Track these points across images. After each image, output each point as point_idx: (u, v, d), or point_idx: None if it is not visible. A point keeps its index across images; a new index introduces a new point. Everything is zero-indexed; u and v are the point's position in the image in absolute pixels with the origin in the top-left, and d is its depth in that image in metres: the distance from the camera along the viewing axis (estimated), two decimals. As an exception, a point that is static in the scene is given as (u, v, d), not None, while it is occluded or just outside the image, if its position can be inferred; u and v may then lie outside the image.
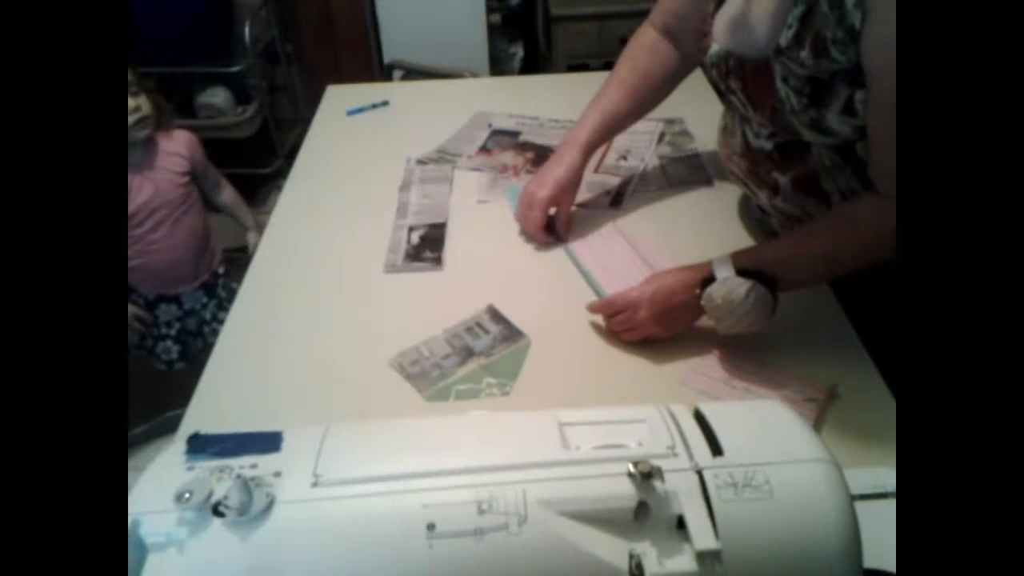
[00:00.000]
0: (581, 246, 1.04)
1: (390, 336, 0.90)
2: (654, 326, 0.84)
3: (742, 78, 0.84)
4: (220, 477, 0.46)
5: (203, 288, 1.64)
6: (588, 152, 1.05)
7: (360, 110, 1.44)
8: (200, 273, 1.62)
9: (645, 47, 1.05)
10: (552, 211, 1.04)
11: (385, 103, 1.46)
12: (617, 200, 1.14)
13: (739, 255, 0.81)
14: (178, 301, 1.63)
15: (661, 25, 1.05)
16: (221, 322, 1.57)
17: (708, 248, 0.98)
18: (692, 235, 1.04)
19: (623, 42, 2.22)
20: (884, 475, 0.67)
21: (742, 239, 1.03)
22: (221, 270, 1.68)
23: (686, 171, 1.20)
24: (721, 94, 0.94)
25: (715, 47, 0.87)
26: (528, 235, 1.07)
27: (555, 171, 1.03)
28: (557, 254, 1.04)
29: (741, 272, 0.78)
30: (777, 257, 0.81)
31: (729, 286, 0.77)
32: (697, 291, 0.80)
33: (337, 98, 1.50)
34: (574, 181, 1.05)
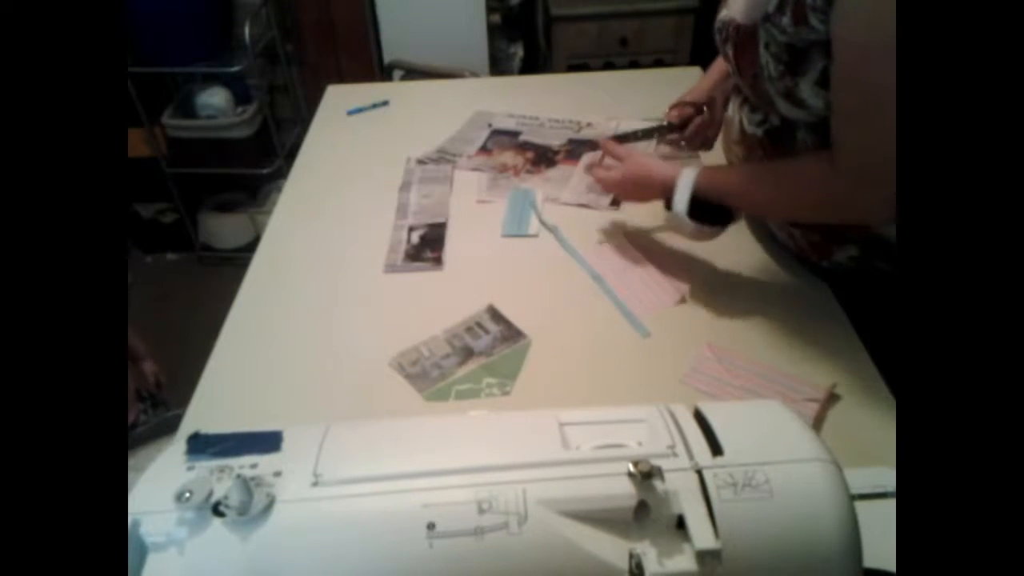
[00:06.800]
0: (592, 255, 1.04)
1: (390, 336, 0.90)
2: (617, 188, 1.02)
3: (735, 44, 0.85)
4: (220, 477, 0.46)
5: None
6: (714, 92, 1.12)
7: (360, 110, 1.44)
8: None
9: None
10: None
11: (385, 103, 1.46)
12: (617, 200, 1.14)
13: (705, 173, 0.89)
14: None
15: None
16: None
17: (707, 247, 0.99)
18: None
19: (623, 42, 2.24)
20: (884, 475, 0.67)
21: (742, 237, 1.03)
22: None
23: (686, 171, 1.20)
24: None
25: (723, 12, 0.89)
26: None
27: (697, 88, 1.13)
28: (557, 254, 1.04)
29: (695, 200, 0.88)
30: (728, 190, 0.89)
31: (679, 220, 0.90)
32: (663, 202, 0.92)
33: (337, 98, 1.50)
34: (715, 98, 1.11)
